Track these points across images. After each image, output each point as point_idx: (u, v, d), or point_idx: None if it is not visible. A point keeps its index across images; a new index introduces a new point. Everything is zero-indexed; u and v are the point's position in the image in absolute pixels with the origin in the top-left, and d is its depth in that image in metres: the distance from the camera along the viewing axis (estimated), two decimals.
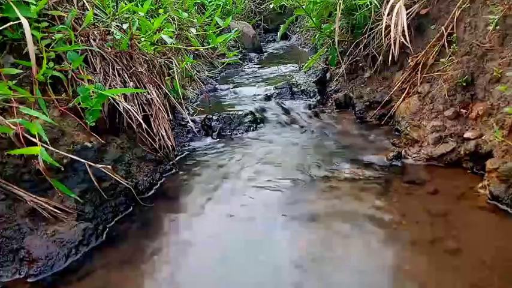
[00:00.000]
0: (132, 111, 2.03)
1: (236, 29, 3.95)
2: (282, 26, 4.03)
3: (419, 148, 2.27)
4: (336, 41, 3.03)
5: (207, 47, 3.83)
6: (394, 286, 1.39)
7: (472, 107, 2.18)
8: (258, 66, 5.08)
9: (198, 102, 3.50)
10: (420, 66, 2.57)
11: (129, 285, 1.46)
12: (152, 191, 2.10)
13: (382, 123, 2.81)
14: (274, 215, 1.84)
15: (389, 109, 2.79)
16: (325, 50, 3.65)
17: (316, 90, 3.62)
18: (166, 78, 2.72)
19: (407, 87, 2.67)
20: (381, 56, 2.93)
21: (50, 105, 1.76)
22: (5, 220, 1.48)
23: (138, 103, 2.21)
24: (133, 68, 2.29)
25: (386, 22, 2.62)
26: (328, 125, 2.96)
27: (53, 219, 1.57)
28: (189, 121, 2.76)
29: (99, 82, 1.96)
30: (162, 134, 2.30)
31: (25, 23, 1.52)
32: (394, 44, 2.57)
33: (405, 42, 2.53)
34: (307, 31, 6.00)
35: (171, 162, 2.34)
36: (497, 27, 2.05)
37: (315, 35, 4.01)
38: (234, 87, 3.94)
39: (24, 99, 1.61)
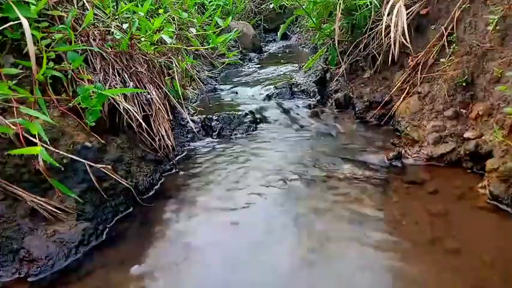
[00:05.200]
0: (132, 111, 2.03)
1: (236, 29, 3.94)
2: (282, 26, 4.02)
3: (419, 148, 2.27)
4: (336, 41, 3.03)
5: (207, 47, 3.83)
6: (394, 286, 1.39)
7: (472, 107, 2.18)
8: (258, 66, 5.08)
9: (198, 102, 3.50)
10: (420, 66, 2.57)
11: (129, 285, 1.46)
12: (152, 191, 2.10)
13: (382, 123, 2.81)
14: (274, 214, 1.84)
15: (389, 109, 2.79)
16: (325, 50, 3.65)
17: (316, 90, 3.62)
18: (166, 78, 2.71)
19: (407, 87, 2.67)
20: (381, 56, 2.93)
21: (50, 105, 1.76)
22: (5, 220, 1.48)
23: (138, 103, 2.21)
24: (134, 68, 2.29)
25: (386, 22, 2.62)
26: (328, 125, 2.95)
27: (53, 219, 1.58)
28: (189, 121, 2.75)
29: (99, 82, 1.96)
30: (162, 134, 2.30)
31: (25, 23, 1.52)
32: (394, 44, 2.57)
33: (405, 42, 2.53)
34: (307, 31, 6.00)
35: (171, 162, 2.34)
36: (497, 27, 2.05)
37: (315, 35, 4.01)
38: (234, 87, 3.94)
39: (24, 99, 1.61)
